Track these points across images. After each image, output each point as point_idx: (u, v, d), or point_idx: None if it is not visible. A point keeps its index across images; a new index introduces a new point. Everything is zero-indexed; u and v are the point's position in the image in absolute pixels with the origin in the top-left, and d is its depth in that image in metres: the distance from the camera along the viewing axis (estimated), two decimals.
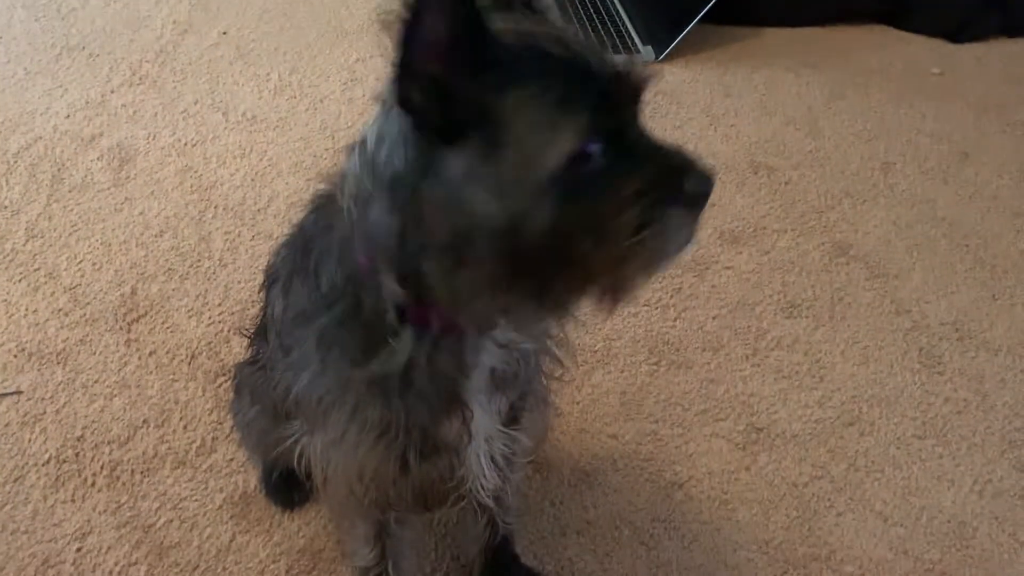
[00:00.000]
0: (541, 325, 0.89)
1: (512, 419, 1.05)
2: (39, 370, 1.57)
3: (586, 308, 0.83)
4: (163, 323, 1.67)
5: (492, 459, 1.03)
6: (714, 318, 1.79)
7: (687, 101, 2.39)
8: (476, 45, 0.70)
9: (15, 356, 1.60)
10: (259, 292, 1.15)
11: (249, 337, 1.27)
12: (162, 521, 1.37)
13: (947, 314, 1.85)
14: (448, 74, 0.69)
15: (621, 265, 0.76)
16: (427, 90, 0.70)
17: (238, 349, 1.61)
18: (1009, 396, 1.69)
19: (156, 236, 1.85)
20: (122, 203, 1.92)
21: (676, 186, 0.75)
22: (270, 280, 1.04)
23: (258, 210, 1.92)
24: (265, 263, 1.07)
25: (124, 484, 1.42)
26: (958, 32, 2.78)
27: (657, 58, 2.52)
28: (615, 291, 0.79)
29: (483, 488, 1.04)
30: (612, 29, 2.66)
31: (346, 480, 1.01)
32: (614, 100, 0.73)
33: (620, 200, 0.73)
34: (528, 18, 0.77)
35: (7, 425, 1.49)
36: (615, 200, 0.73)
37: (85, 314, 1.68)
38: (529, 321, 0.89)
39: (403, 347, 0.85)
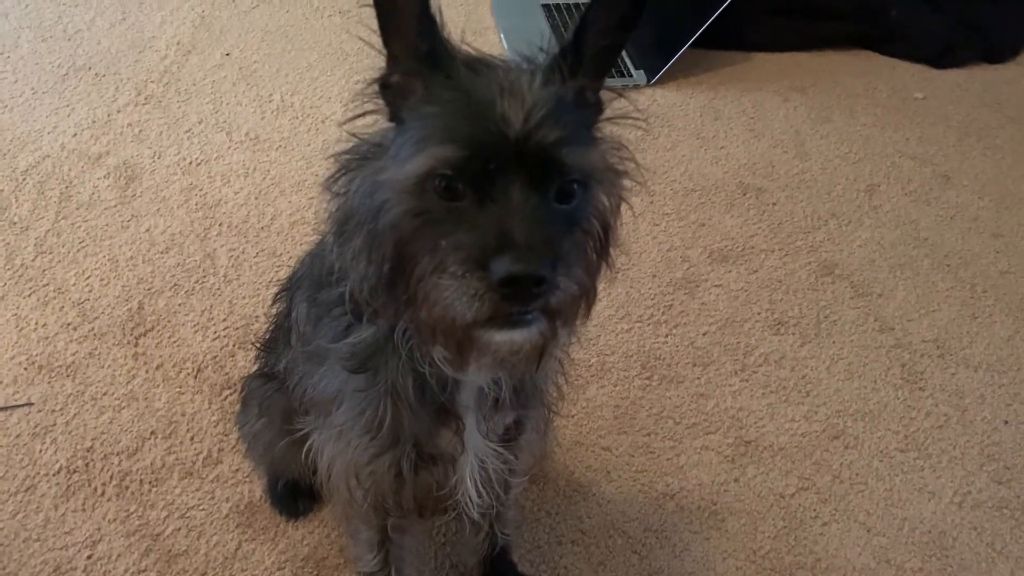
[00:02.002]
0: (511, 360, 0.87)
1: (508, 438, 1.10)
2: (49, 383, 1.61)
3: (442, 355, 0.85)
4: (170, 337, 1.72)
5: (484, 477, 1.07)
6: (704, 334, 1.85)
7: (678, 124, 2.45)
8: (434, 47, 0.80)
9: (25, 369, 1.64)
10: (272, 303, 1.20)
11: (258, 350, 1.32)
12: (170, 529, 1.42)
13: (929, 332, 1.91)
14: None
15: (425, 299, 0.77)
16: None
17: (243, 363, 1.66)
18: (988, 411, 1.75)
19: (162, 252, 1.90)
20: (129, 220, 1.97)
21: (480, 259, 0.73)
22: (293, 286, 1.10)
23: (261, 228, 1.97)
24: (269, 279, 1.11)
25: (133, 494, 1.46)
26: (940, 58, 2.86)
27: (649, 82, 2.59)
28: (447, 338, 0.79)
29: (471, 503, 1.08)
30: None
31: (344, 476, 1.06)
32: (481, 153, 0.75)
33: (436, 237, 0.76)
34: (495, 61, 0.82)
35: (18, 436, 1.53)
36: (436, 235, 0.76)
37: (93, 328, 1.72)
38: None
39: (366, 329, 0.92)
